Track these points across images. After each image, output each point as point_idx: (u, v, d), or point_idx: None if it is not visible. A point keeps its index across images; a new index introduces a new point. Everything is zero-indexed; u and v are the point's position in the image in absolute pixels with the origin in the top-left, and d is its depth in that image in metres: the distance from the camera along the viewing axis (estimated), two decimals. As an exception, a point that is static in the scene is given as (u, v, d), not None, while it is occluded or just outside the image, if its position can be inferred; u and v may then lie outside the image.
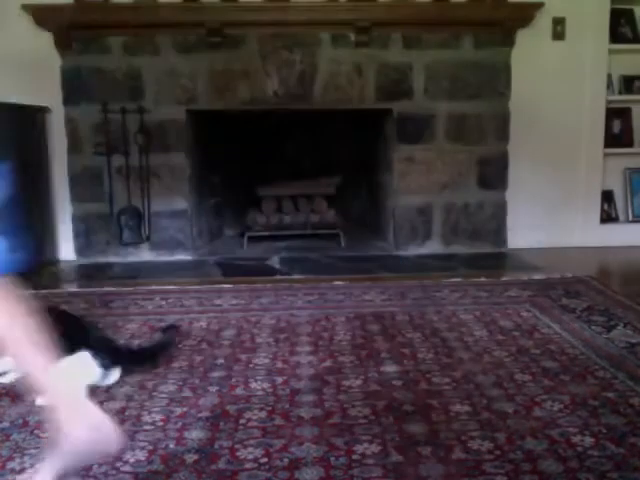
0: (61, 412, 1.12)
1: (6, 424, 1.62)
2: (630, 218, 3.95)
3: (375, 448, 1.46)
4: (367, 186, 4.29)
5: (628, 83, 3.85)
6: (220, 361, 2.03)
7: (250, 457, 1.43)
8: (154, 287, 2.95)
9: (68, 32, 3.36)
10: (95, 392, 1.76)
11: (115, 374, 1.83)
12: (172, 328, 1.84)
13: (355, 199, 4.32)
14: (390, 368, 1.95)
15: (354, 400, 1.72)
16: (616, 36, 3.76)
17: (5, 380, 1.83)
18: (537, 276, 3.07)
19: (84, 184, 3.51)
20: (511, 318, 2.43)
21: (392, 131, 3.63)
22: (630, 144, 3.90)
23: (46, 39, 3.40)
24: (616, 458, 1.40)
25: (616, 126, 3.88)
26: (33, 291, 2.91)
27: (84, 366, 1.76)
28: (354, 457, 1.42)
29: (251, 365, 1.99)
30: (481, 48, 3.54)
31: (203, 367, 1.98)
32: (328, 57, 3.49)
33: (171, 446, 1.49)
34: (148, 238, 3.56)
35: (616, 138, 3.87)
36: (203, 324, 2.41)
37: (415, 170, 3.62)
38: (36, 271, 3.29)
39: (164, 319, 2.46)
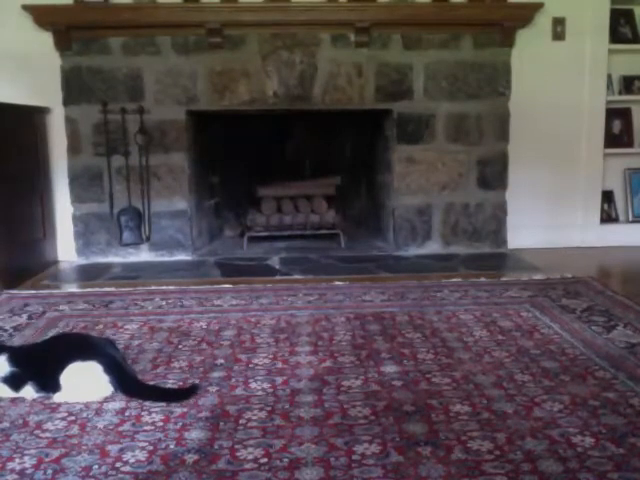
0: None
1: (6, 424, 1.61)
2: (630, 218, 3.95)
3: (375, 448, 1.46)
4: (367, 186, 4.29)
5: (628, 83, 3.85)
6: (220, 361, 2.03)
7: (250, 457, 1.43)
8: (154, 287, 2.95)
9: (68, 32, 3.36)
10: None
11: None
12: (195, 387, 1.80)
13: (355, 199, 4.32)
14: (390, 368, 1.94)
15: (354, 400, 1.72)
16: (616, 36, 3.77)
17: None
18: (537, 276, 3.07)
19: (84, 184, 3.51)
20: (511, 318, 2.42)
21: (392, 131, 3.63)
22: (630, 144, 3.90)
23: (46, 39, 3.40)
24: (616, 458, 1.40)
25: (616, 126, 3.88)
26: (33, 291, 2.92)
27: (94, 377, 1.74)
28: (354, 457, 1.42)
29: (251, 365, 1.99)
30: (481, 48, 3.54)
31: (203, 367, 1.98)
32: (328, 57, 3.49)
33: (171, 446, 1.49)
34: (148, 238, 3.56)
35: (616, 138, 3.88)
36: (203, 324, 2.41)
37: (415, 170, 3.62)
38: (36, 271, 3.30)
39: (164, 319, 2.47)
